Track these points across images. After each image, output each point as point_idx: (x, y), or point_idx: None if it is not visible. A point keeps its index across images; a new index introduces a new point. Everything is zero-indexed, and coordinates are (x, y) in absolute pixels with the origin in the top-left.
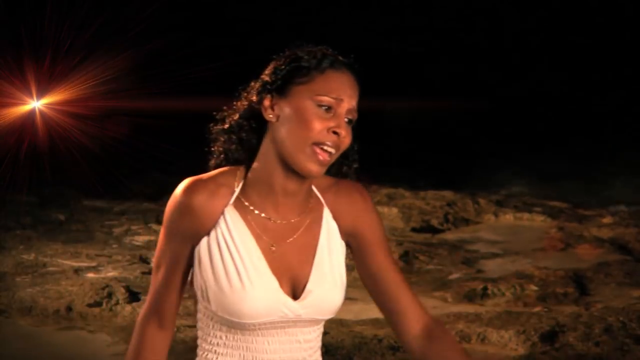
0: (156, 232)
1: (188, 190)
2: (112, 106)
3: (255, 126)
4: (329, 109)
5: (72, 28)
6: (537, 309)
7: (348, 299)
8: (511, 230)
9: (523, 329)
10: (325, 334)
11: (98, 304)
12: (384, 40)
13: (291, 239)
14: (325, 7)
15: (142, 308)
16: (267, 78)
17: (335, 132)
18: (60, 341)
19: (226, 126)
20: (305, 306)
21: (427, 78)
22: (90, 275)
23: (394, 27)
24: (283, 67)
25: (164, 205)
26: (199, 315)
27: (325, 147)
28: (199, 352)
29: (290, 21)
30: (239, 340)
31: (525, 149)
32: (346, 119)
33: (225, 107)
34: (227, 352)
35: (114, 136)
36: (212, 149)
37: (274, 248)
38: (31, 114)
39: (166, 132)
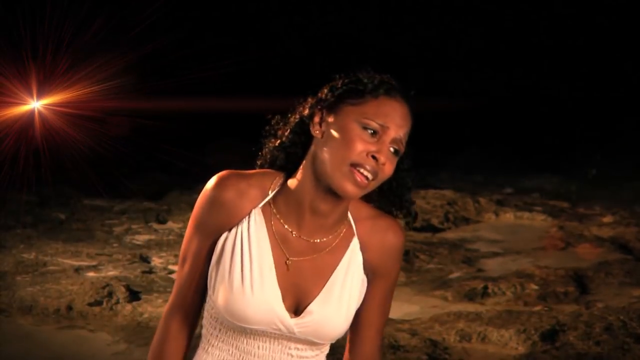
0: (156, 231)
1: (219, 183)
2: (112, 106)
3: (303, 140)
4: (374, 133)
5: (72, 28)
6: (537, 308)
7: None
8: (512, 230)
9: (523, 328)
10: None
11: (98, 303)
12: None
13: (309, 257)
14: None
15: (168, 301)
16: (322, 95)
17: (374, 157)
18: (60, 340)
19: (277, 134)
20: (302, 326)
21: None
22: (91, 274)
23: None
24: (340, 86)
25: (164, 204)
26: (206, 304)
27: (362, 170)
28: (202, 338)
29: (289, 21)
30: (231, 337)
31: (525, 147)
32: (391, 149)
33: (277, 116)
34: (218, 345)
35: (114, 135)
36: (260, 150)
37: (289, 262)
38: (31, 113)
39: (166, 132)
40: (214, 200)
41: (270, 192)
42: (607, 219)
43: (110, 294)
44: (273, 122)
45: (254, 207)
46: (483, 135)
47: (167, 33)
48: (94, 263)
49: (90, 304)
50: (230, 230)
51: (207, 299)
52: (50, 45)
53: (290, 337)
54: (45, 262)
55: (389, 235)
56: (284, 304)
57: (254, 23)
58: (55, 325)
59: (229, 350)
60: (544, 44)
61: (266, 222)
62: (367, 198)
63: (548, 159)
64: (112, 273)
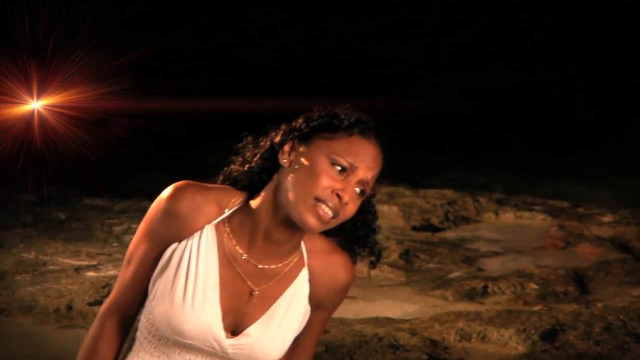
0: None
1: (175, 194)
2: (112, 106)
3: (271, 166)
4: (342, 170)
5: (71, 28)
6: (537, 308)
7: (348, 297)
8: (512, 229)
9: (523, 328)
10: (325, 332)
11: (98, 302)
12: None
13: (258, 286)
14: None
15: (106, 300)
16: (296, 124)
17: (338, 195)
18: (60, 340)
19: (246, 156)
20: (237, 347)
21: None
22: (91, 273)
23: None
24: (315, 118)
25: None
26: (144, 309)
27: (324, 207)
28: (135, 340)
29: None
30: (164, 346)
31: (525, 147)
32: (357, 189)
33: (249, 137)
34: (150, 351)
35: (114, 135)
36: (226, 167)
37: (255, 293)
38: (31, 113)
39: (166, 132)
40: (168, 210)
41: (227, 210)
42: (607, 218)
43: (110, 294)
44: (244, 141)
45: (208, 223)
46: (482, 133)
47: (168, 33)
48: (94, 262)
49: (90, 304)
50: (180, 241)
51: (147, 304)
52: (50, 45)
53: (222, 357)
54: (45, 262)
55: (340, 272)
56: (223, 323)
57: (254, 23)
58: (55, 325)
59: (159, 358)
60: (544, 39)
61: (217, 240)
62: (325, 232)
63: (548, 159)
64: (112, 272)
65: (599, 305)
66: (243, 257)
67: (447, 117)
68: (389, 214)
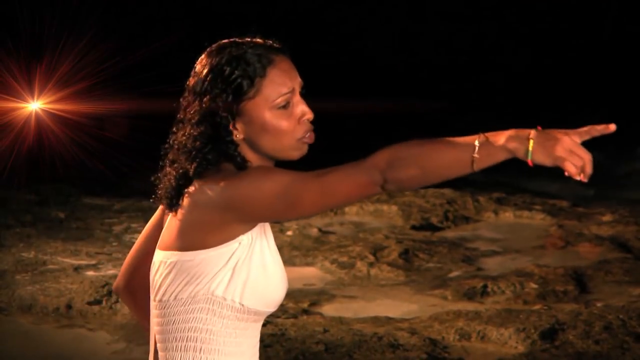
0: None
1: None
2: (111, 106)
3: (220, 146)
4: (287, 104)
5: (71, 28)
6: (537, 307)
7: (348, 296)
8: (511, 228)
9: (523, 327)
10: (324, 331)
11: (98, 302)
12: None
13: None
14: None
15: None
16: (212, 102)
17: (306, 119)
18: (60, 339)
19: (187, 147)
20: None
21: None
22: (90, 273)
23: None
24: (225, 88)
25: None
26: (201, 324)
27: (307, 135)
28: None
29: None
30: (244, 336)
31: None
32: (301, 98)
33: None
34: (236, 351)
35: (113, 135)
36: (159, 178)
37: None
38: (31, 113)
39: (166, 132)
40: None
41: None
42: (607, 217)
43: (109, 293)
44: (166, 147)
45: None
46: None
47: (166, 34)
48: (93, 262)
49: (89, 303)
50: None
51: (216, 317)
52: (49, 46)
53: None
54: (45, 261)
55: None
56: None
57: (254, 24)
58: (55, 324)
59: (246, 350)
60: (546, 28)
61: None
62: None
63: None
64: (111, 272)
65: (599, 304)
66: None
67: (448, 117)
68: (388, 213)
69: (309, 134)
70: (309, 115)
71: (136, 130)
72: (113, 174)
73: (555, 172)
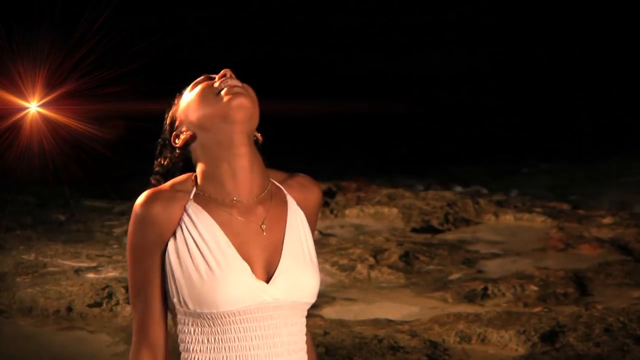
0: None
1: (145, 201)
2: (111, 108)
3: (180, 151)
4: (212, 84)
5: (70, 28)
6: (537, 309)
7: (348, 299)
8: (511, 231)
9: (523, 329)
10: (325, 334)
11: (98, 304)
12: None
13: (260, 220)
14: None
15: (132, 343)
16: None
17: (222, 79)
18: (60, 341)
19: (164, 162)
20: (280, 287)
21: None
22: (91, 275)
23: None
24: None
25: None
26: (179, 327)
27: (225, 89)
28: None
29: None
30: (221, 341)
31: (526, 148)
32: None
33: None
34: (211, 357)
35: (112, 137)
36: (155, 177)
37: (263, 226)
38: (30, 115)
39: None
40: (146, 217)
41: (192, 185)
42: (607, 220)
43: (110, 295)
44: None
45: (185, 204)
46: (482, 132)
47: (164, 36)
48: (93, 264)
49: (90, 305)
50: (174, 235)
51: (182, 318)
52: (48, 47)
53: (277, 312)
54: (45, 264)
55: (312, 188)
56: (255, 272)
57: (253, 25)
58: (55, 327)
59: (224, 357)
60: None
61: (204, 208)
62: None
63: (548, 159)
64: (112, 274)
65: (599, 306)
66: (234, 200)
67: (449, 117)
68: (388, 216)
69: (228, 81)
70: (228, 73)
71: (136, 132)
72: (113, 176)
73: (556, 174)
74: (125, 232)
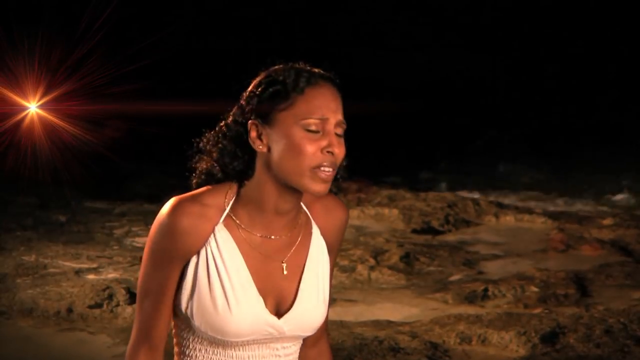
0: None
1: (175, 212)
2: (111, 109)
3: (242, 153)
4: (317, 129)
5: (70, 28)
6: (537, 311)
7: (348, 300)
8: (512, 232)
9: (524, 331)
10: None
11: (99, 305)
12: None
13: (283, 257)
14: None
15: (130, 339)
16: (248, 107)
17: (329, 152)
18: (60, 343)
19: (213, 152)
20: (289, 324)
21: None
22: (91, 276)
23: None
24: (262, 94)
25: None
26: (177, 330)
27: (324, 168)
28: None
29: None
30: (219, 354)
31: (527, 149)
32: (337, 133)
33: (207, 134)
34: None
35: (113, 138)
36: (195, 167)
37: (284, 264)
38: (30, 116)
39: (165, 134)
40: (173, 230)
41: (226, 205)
42: (607, 221)
43: (110, 297)
44: (204, 140)
45: (216, 224)
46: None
47: (167, 34)
48: (94, 265)
49: (90, 307)
50: (198, 253)
51: (182, 325)
52: (49, 47)
53: (278, 338)
54: (46, 265)
55: (338, 211)
56: (267, 307)
57: (254, 26)
58: (56, 328)
59: None
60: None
61: (232, 234)
62: None
63: (548, 160)
64: (112, 275)
65: (600, 308)
66: (259, 236)
67: (449, 118)
68: (389, 217)
69: (327, 168)
70: (336, 150)
71: (137, 133)
72: (114, 177)
73: (556, 174)
74: (126, 233)
